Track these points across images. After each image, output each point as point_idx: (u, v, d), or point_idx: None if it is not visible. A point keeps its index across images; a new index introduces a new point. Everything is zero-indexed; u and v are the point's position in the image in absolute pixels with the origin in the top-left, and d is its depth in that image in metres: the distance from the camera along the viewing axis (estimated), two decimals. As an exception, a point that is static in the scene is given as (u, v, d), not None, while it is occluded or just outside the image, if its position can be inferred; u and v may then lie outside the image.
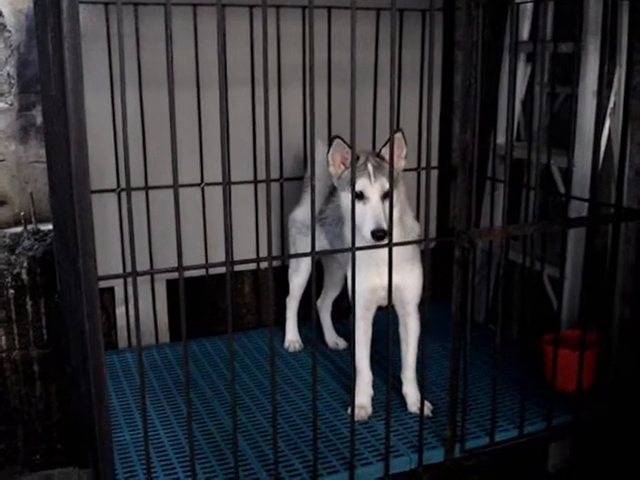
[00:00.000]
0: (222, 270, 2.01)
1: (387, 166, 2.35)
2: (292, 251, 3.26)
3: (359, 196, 2.40)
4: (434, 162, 3.75)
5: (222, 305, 3.58)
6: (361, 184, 2.38)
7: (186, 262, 1.93)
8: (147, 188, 3.19)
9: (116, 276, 1.95)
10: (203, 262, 3.26)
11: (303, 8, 3.21)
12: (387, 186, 2.37)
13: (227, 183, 1.98)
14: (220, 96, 1.88)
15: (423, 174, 3.58)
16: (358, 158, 2.44)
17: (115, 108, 3.02)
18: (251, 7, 3.19)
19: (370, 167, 2.43)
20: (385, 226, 2.32)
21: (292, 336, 3.37)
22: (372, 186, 2.39)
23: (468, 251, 2.20)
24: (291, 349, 3.33)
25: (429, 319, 2.33)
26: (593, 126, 2.59)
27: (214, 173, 3.27)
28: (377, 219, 2.36)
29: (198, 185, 3.32)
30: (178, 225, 1.90)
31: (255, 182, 3.43)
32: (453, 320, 2.29)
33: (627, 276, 2.98)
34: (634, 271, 2.93)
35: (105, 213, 3.14)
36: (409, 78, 3.55)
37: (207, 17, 3.05)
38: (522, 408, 2.58)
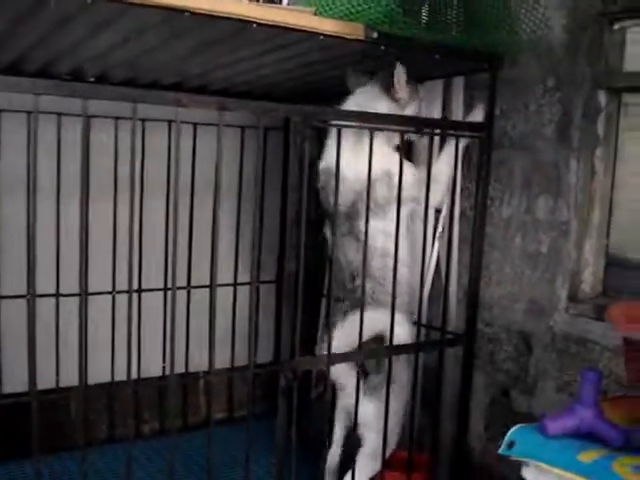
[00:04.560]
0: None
1: None
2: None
3: None
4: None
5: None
6: None
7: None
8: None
9: None
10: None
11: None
12: None
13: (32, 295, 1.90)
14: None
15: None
16: None
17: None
18: (117, 119, 3.20)
19: None
20: None
21: None
22: None
23: (292, 380, 2.19)
24: None
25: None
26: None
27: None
28: None
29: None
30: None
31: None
32: (277, 449, 2.25)
33: (455, 394, 3.04)
34: (461, 389, 2.99)
35: None
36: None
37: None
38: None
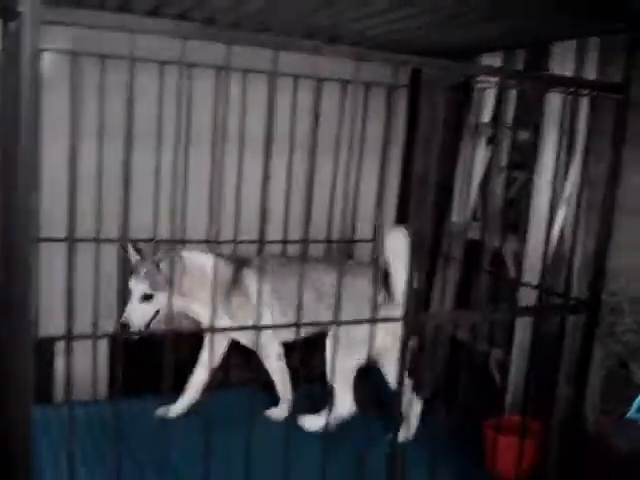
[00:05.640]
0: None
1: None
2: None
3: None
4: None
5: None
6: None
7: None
8: (99, 240, 3.11)
9: (49, 339, 1.89)
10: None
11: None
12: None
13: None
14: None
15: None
16: None
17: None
18: (219, 68, 3.18)
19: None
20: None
21: None
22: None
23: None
24: None
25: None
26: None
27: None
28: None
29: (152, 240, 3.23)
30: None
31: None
32: (395, 401, 2.27)
33: (573, 362, 2.97)
34: (580, 358, 2.92)
35: (54, 262, 3.05)
36: (372, 150, 3.57)
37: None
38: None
